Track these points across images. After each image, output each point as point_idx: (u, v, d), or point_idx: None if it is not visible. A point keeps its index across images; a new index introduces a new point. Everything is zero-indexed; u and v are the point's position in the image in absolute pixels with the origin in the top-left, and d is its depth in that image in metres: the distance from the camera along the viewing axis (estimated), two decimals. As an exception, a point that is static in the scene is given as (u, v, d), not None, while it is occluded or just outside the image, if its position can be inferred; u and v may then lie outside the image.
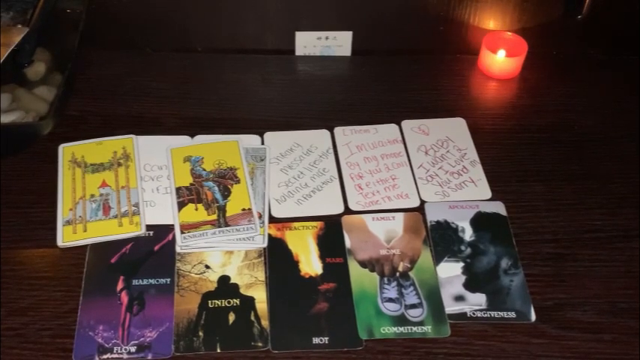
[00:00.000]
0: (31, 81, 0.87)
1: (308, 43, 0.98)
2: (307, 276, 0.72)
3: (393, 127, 0.87)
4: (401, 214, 0.77)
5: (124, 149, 0.81)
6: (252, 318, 0.68)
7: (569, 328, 0.68)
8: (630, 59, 0.98)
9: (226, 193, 0.77)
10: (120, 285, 0.70)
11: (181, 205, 0.76)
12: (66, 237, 0.73)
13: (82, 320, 0.67)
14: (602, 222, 0.77)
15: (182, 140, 0.84)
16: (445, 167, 0.82)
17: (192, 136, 0.84)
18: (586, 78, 0.96)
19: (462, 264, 0.73)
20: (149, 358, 0.65)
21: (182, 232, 0.73)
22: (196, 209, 0.76)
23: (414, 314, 0.69)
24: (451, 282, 0.71)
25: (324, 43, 0.98)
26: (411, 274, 0.72)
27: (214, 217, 0.75)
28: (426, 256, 0.73)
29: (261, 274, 0.71)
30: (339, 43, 0.98)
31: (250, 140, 0.84)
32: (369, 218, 0.77)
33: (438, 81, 0.95)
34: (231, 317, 0.68)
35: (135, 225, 0.74)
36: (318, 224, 0.76)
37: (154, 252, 0.73)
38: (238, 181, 0.78)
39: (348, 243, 0.74)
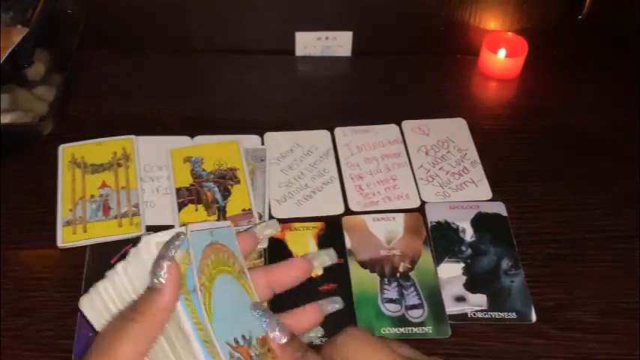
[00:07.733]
0: (31, 81, 0.87)
1: (308, 43, 0.98)
2: (307, 277, 0.71)
3: (394, 127, 0.87)
4: (401, 215, 0.77)
5: (123, 150, 0.81)
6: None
7: (570, 329, 0.68)
8: (630, 59, 0.98)
9: (226, 193, 0.77)
10: (120, 286, 0.70)
11: (181, 206, 0.76)
12: (66, 237, 0.73)
13: (82, 321, 0.67)
14: (602, 222, 0.77)
15: (182, 141, 0.84)
16: (445, 168, 0.82)
17: (192, 136, 0.84)
18: (586, 78, 0.95)
19: (462, 264, 0.73)
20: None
21: (182, 233, 0.73)
22: (196, 210, 0.76)
23: (414, 315, 0.68)
24: (452, 282, 0.71)
25: (324, 44, 0.98)
26: (412, 274, 0.72)
27: (214, 217, 0.75)
28: (426, 257, 0.73)
29: (261, 275, 0.71)
30: (339, 43, 0.98)
31: (250, 141, 0.84)
32: (370, 219, 0.77)
33: (438, 81, 0.94)
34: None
35: (135, 226, 0.74)
36: (319, 225, 0.76)
37: (154, 253, 0.73)
38: (238, 182, 0.78)
39: (348, 244, 0.74)
